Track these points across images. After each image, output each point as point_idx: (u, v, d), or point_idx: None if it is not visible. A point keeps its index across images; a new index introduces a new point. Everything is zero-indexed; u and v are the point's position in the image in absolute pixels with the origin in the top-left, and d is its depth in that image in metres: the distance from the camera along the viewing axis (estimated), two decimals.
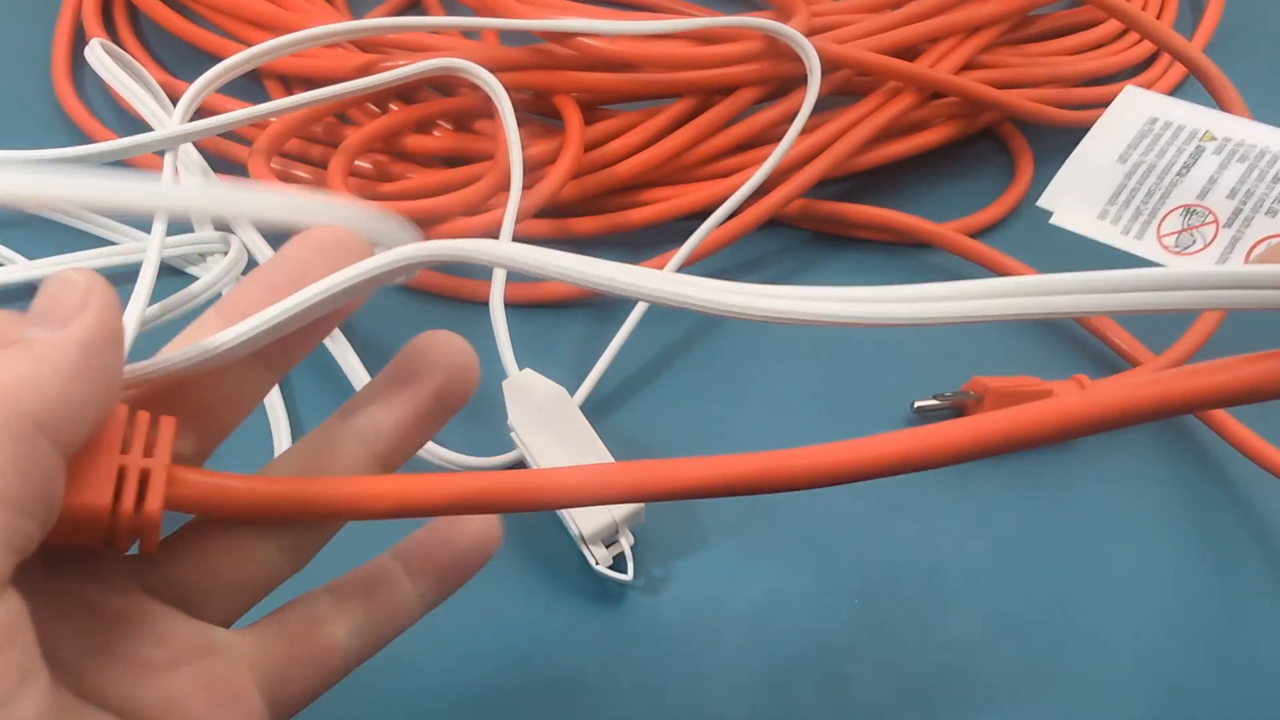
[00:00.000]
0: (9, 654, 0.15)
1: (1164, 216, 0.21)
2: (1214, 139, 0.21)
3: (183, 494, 0.18)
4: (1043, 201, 0.24)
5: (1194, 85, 0.46)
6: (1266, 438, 0.33)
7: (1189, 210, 0.21)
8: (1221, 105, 0.37)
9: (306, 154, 0.40)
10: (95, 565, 0.19)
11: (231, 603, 0.20)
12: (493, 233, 0.35)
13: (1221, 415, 0.33)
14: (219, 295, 0.34)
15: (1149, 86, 0.45)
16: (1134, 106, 0.22)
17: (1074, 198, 0.22)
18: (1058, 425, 0.17)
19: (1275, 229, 0.20)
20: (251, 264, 0.35)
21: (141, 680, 0.18)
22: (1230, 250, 0.20)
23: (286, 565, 0.20)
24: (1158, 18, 0.47)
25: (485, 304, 0.34)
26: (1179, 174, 0.21)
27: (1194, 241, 0.20)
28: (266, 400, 0.33)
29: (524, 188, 0.35)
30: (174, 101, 0.37)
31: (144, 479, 0.17)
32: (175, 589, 0.19)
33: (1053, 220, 0.24)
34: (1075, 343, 0.37)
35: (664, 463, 0.19)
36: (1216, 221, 0.20)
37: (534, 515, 0.32)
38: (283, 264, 0.20)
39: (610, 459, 0.31)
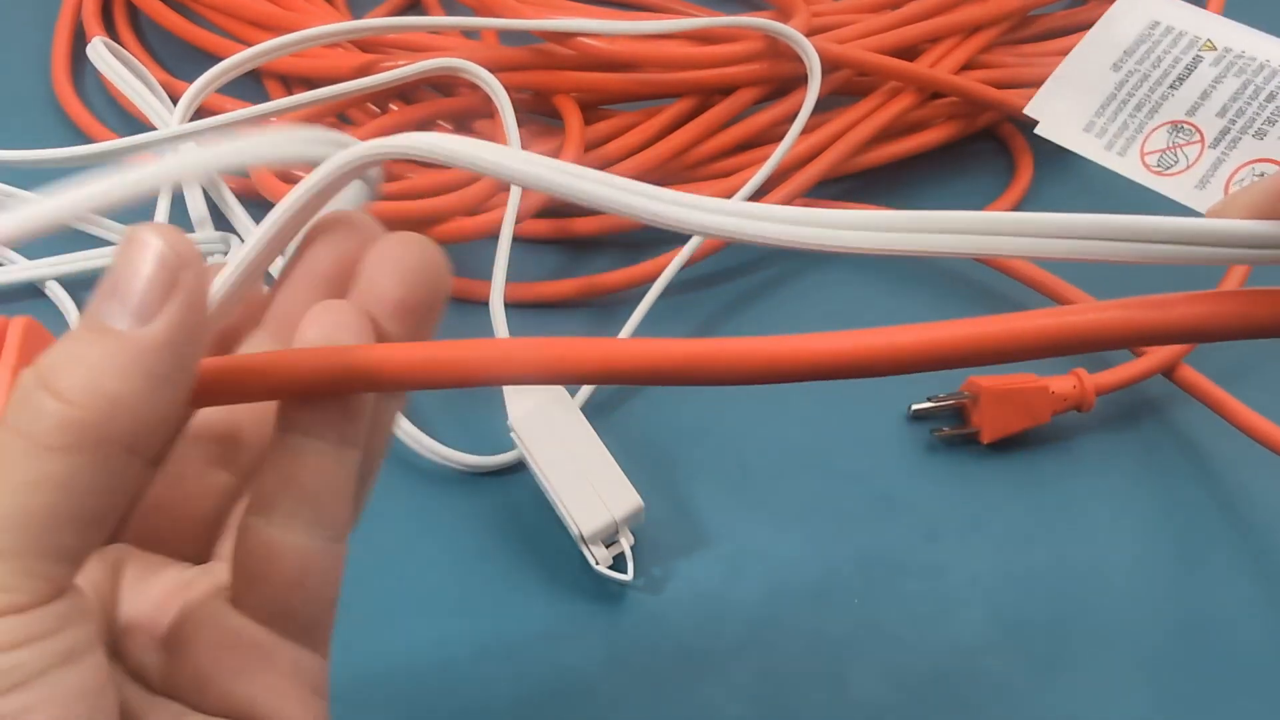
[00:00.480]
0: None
1: (1150, 132, 0.20)
2: (1214, 49, 0.20)
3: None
4: (1030, 109, 0.23)
5: None
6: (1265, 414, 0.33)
7: (1176, 127, 0.20)
8: None
9: None
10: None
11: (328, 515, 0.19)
12: (492, 233, 0.35)
13: (1222, 395, 0.33)
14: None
15: None
16: (1137, 6, 0.21)
17: (1062, 107, 0.21)
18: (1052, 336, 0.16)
19: (1260, 153, 0.19)
20: None
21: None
22: (1211, 174, 0.19)
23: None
24: None
25: (485, 304, 0.34)
26: (1172, 86, 0.20)
27: (1176, 161, 0.20)
28: None
29: (524, 188, 0.35)
30: (174, 101, 0.37)
31: None
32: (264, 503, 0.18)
33: (1038, 130, 0.23)
34: None
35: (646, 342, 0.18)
36: (1203, 141, 0.20)
37: (533, 515, 0.32)
38: (312, 260, 0.19)
39: (611, 460, 0.31)
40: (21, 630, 0.14)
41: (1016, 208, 0.41)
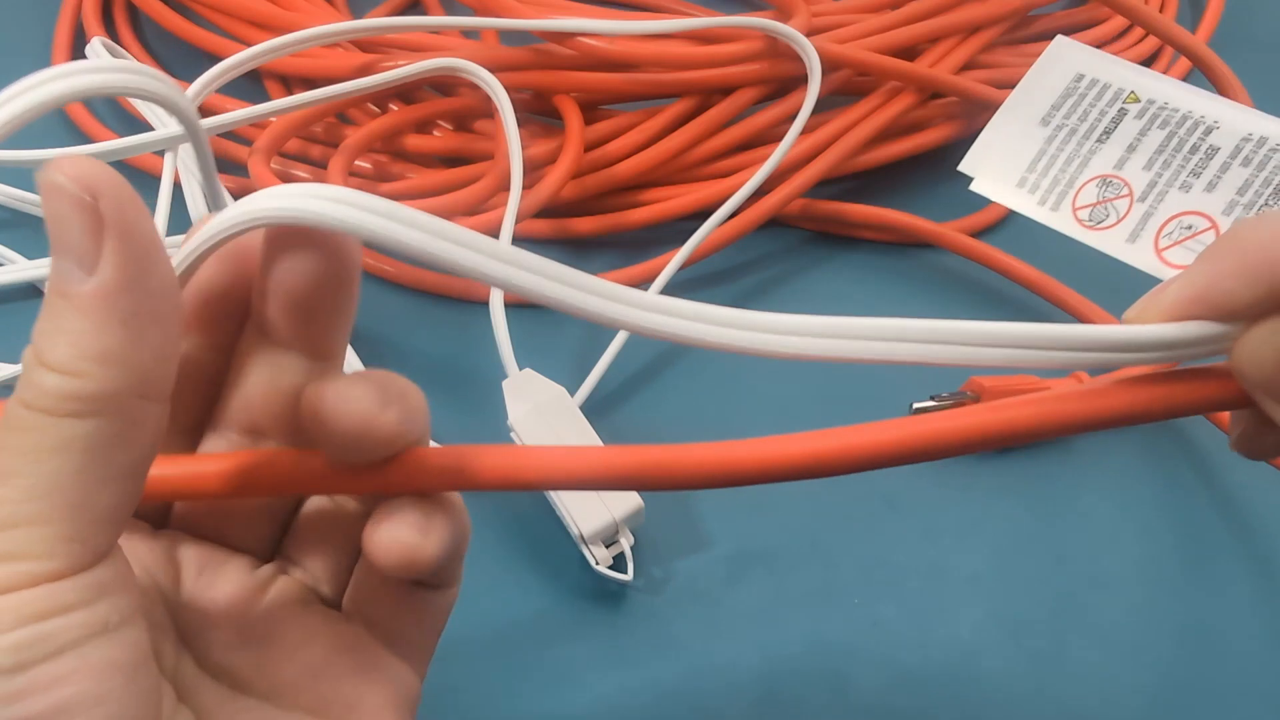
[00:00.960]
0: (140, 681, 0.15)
1: (1081, 187, 0.21)
2: (1137, 100, 0.21)
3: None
4: (964, 166, 0.23)
5: (1194, 84, 0.46)
6: None
7: (1105, 181, 0.20)
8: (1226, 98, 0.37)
9: (306, 154, 0.40)
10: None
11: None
12: (492, 233, 0.35)
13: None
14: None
15: None
16: (1062, 60, 0.21)
17: (995, 163, 0.22)
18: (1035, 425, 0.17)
19: (1186, 205, 0.20)
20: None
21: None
22: (1141, 228, 0.19)
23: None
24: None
25: (485, 304, 0.34)
26: (1099, 140, 0.21)
27: (1107, 216, 0.20)
28: None
29: (524, 188, 0.35)
30: None
31: None
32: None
33: (972, 187, 0.23)
34: None
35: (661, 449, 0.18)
36: (1131, 195, 0.20)
37: (533, 515, 0.32)
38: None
39: None
40: (57, 598, 0.14)
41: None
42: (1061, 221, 0.20)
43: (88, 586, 0.15)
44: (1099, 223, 0.20)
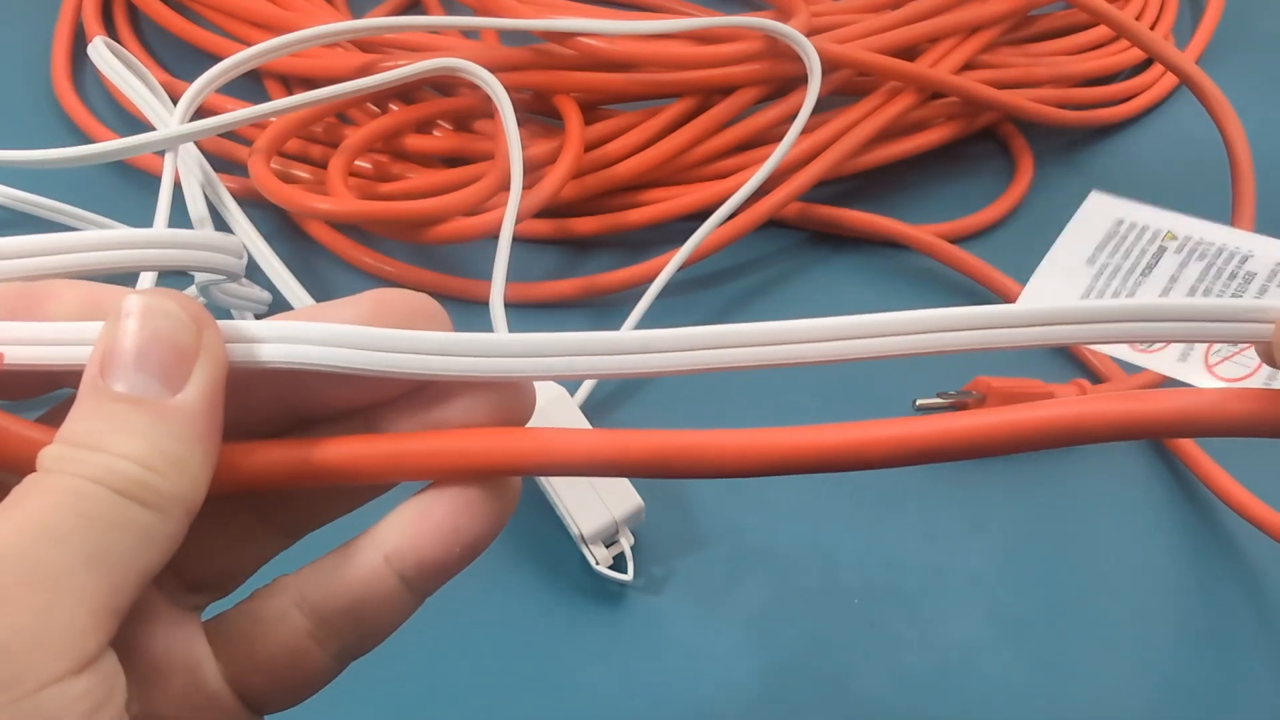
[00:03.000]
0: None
1: None
2: (1175, 238, 0.22)
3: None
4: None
5: (1183, 98, 0.46)
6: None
7: None
8: (1212, 115, 0.37)
9: (306, 154, 0.40)
10: None
11: (224, 583, 0.19)
12: (492, 233, 0.35)
13: (1195, 451, 0.34)
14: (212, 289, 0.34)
15: (1148, 87, 0.45)
16: (1101, 211, 0.23)
17: (1049, 299, 0.23)
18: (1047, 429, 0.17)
19: None
20: (250, 264, 0.35)
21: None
22: (1190, 349, 0.21)
23: (285, 540, 0.19)
24: (1158, 17, 0.47)
25: (485, 304, 0.34)
26: (1143, 274, 0.22)
27: (1153, 343, 0.22)
28: None
29: (524, 188, 0.35)
30: (174, 101, 0.37)
31: None
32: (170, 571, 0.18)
33: None
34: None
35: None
36: None
37: (533, 515, 0.32)
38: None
39: None
40: (95, 692, 0.14)
41: (1016, 208, 0.41)
42: (1116, 349, 0.21)
43: (102, 677, 0.14)
44: (1149, 347, 0.21)
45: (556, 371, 0.17)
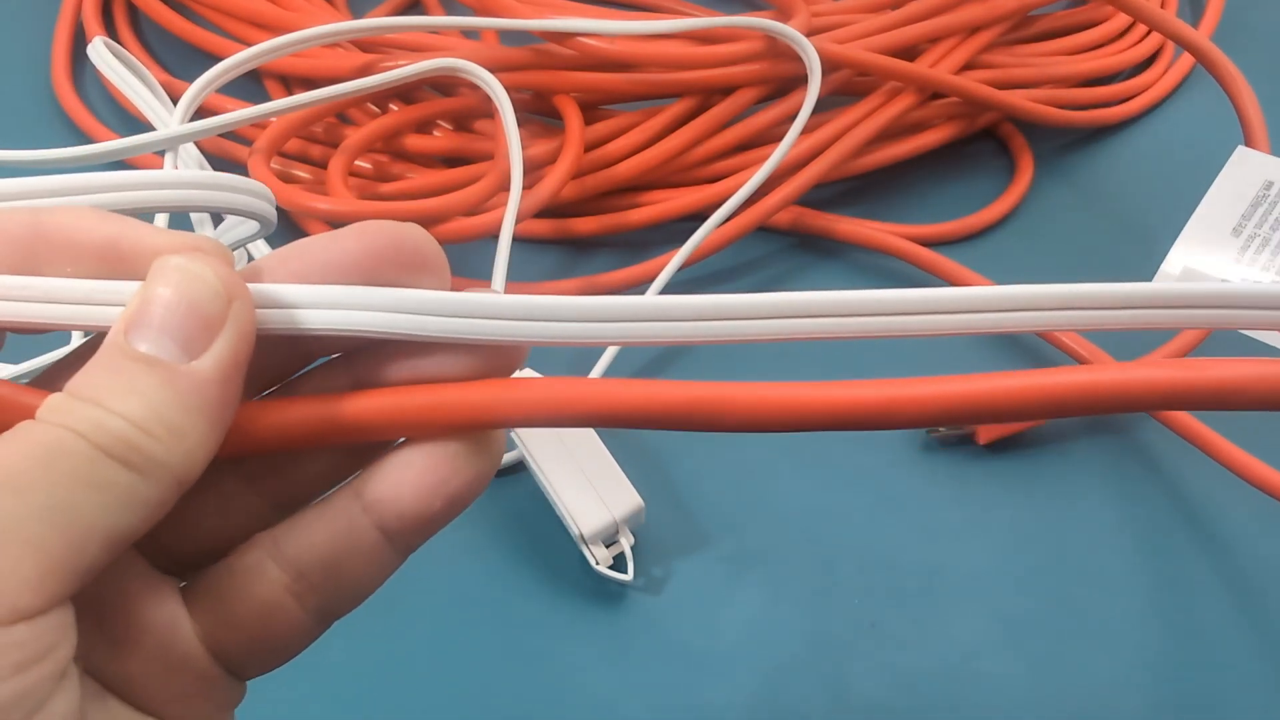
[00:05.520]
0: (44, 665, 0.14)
1: None
2: None
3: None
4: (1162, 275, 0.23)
5: (1195, 84, 0.46)
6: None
7: None
8: (1230, 95, 0.36)
9: (306, 154, 0.40)
10: None
11: (204, 555, 0.18)
12: (492, 233, 0.35)
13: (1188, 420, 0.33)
14: None
15: (1147, 87, 0.45)
16: (1248, 171, 0.20)
17: (1190, 278, 0.21)
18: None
19: None
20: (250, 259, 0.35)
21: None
22: None
23: (272, 516, 0.18)
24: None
25: None
26: None
27: None
28: None
29: (524, 188, 0.35)
30: (174, 101, 0.37)
31: None
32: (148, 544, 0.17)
33: None
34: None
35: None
36: None
37: (533, 515, 0.32)
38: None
39: (611, 460, 0.31)
40: (31, 644, 0.13)
41: (1016, 208, 0.41)
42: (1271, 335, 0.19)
43: (52, 628, 0.14)
44: None
45: (618, 337, 0.16)
